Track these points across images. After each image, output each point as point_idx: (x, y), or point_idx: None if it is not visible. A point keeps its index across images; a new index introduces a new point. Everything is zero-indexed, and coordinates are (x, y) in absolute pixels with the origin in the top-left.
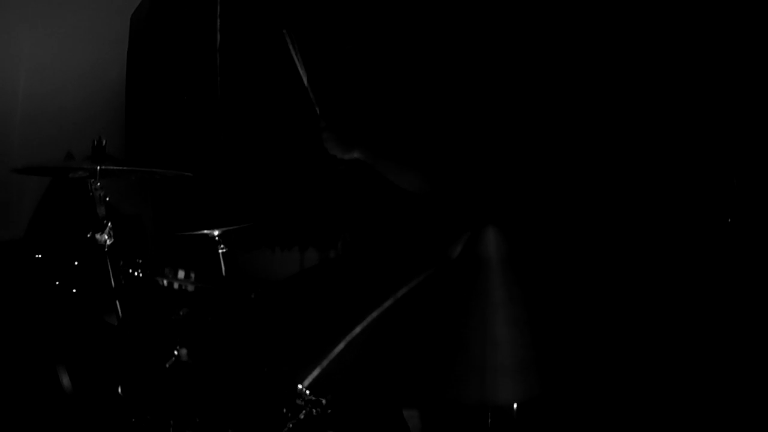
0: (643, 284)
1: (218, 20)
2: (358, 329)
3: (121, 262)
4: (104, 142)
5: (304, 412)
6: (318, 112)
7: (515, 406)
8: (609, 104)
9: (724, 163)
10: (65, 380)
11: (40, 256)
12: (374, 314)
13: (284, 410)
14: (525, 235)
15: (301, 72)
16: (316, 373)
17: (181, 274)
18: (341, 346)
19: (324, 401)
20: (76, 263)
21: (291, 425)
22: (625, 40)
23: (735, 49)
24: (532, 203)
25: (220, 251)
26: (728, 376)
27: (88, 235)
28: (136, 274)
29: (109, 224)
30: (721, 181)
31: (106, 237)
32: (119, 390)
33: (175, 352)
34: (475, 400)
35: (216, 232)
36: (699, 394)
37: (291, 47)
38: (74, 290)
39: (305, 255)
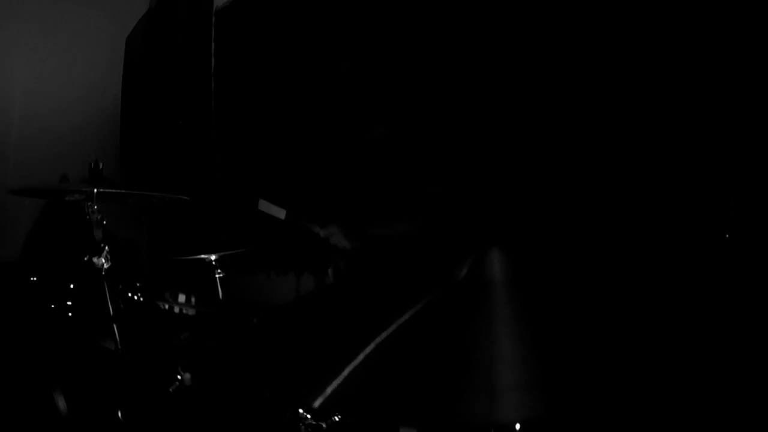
0: (646, 301)
1: (213, 45)
2: (364, 352)
3: (120, 286)
4: (101, 165)
5: None
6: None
7: (518, 426)
8: (606, 121)
9: (722, 179)
10: (61, 404)
11: (35, 278)
12: (381, 337)
13: None
14: (529, 256)
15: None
16: (321, 396)
17: (181, 298)
18: (348, 369)
19: (324, 425)
20: (71, 286)
21: None
22: (626, 50)
23: (734, 62)
24: (536, 225)
25: (217, 276)
26: (730, 396)
27: (85, 259)
28: (136, 297)
29: (106, 248)
30: (719, 197)
31: (104, 261)
32: (119, 414)
33: (179, 377)
34: (482, 420)
35: (213, 257)
36: (703, 411)
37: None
38: (70, 314)
39: (301, 280)
